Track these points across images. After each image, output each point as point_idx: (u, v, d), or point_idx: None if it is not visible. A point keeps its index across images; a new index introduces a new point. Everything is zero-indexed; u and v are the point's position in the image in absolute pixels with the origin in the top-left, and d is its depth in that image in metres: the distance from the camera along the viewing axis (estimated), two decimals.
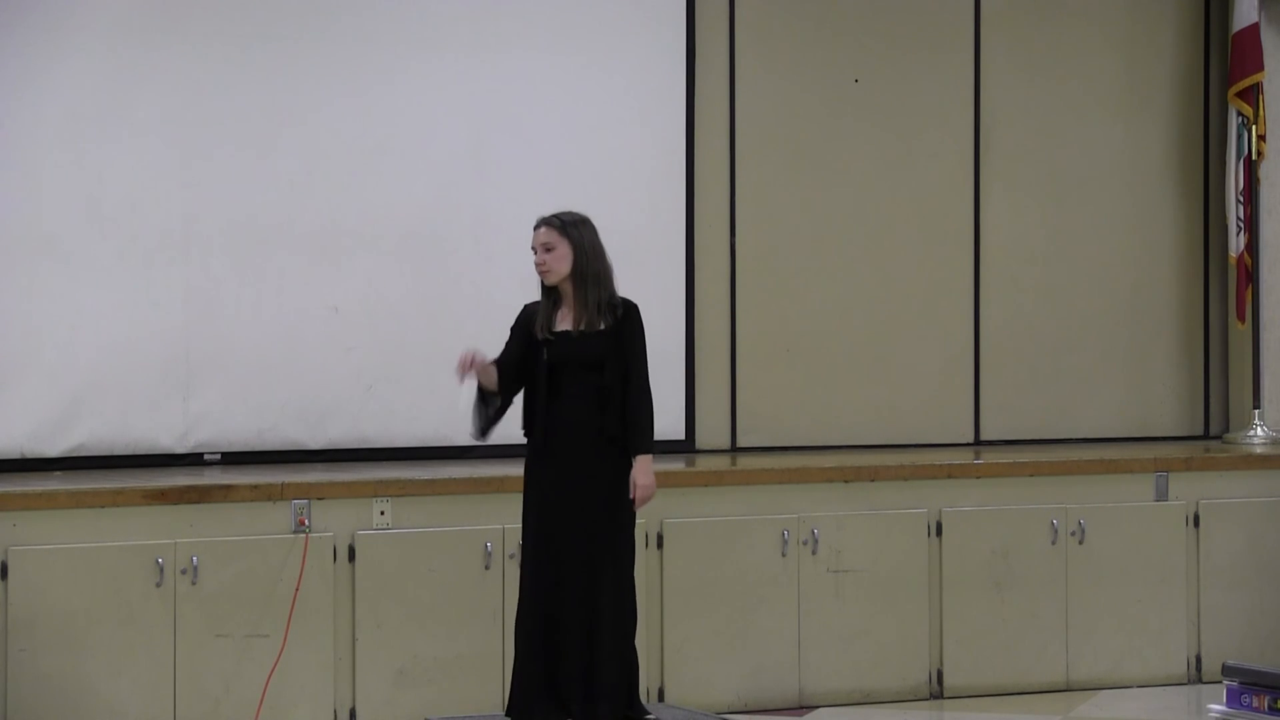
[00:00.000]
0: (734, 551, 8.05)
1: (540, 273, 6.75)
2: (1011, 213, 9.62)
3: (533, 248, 6.77)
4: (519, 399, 6.83)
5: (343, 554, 7.52)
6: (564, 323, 6.74)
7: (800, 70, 9.26)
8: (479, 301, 8.52)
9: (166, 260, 8.12)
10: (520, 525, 6.83)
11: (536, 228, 6.78)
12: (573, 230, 6.72)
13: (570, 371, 6.69)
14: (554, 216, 6.78)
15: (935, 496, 8.39)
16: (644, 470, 6.70)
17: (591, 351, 6.68)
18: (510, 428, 6.84)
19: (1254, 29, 9.60)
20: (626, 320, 6.74)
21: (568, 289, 6.73)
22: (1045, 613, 8.49)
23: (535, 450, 6.76)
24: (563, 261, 6.70)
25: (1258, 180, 9.68)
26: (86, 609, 7.14)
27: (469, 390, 6.80)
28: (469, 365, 6.65)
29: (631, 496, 6.70)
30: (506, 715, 6.80)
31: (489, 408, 6.80)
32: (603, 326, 6.70)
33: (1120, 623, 8.60)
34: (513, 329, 6.85)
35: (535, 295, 6.88)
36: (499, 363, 6.78)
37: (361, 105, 8.43)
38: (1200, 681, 8.67)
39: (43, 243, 7.94)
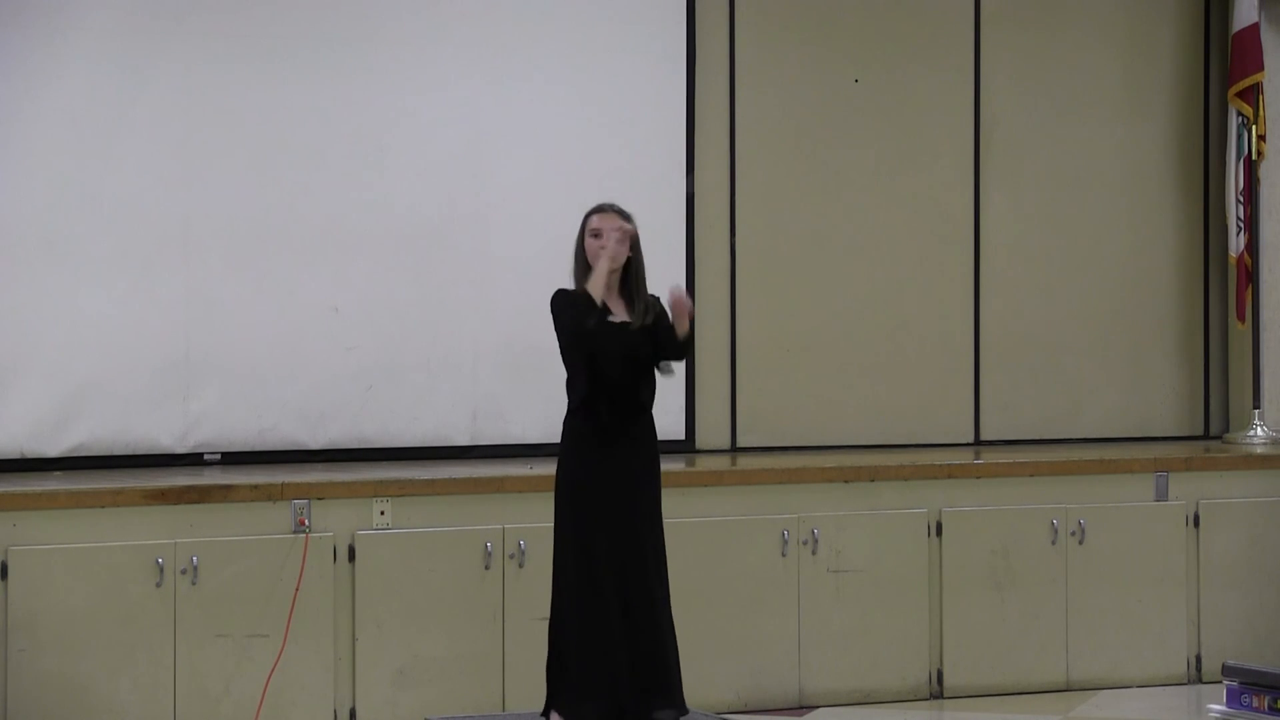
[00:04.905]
0: (734, 551, 8.04)
1: (598, 255, 6.51)
2: (1011, 213, 9.62)
3: (595, 230, 6.55)
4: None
5: (343, 554, 7.52)
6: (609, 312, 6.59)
7: (800, 70, 9.25)
8: (479, 301, 8.53)
9: (166, 260, 8.12)
10: (555, 514, 6.68)
11: (603, 210, 6.59)
12: (632, 224, 6.61)
13: (610, 360, 6.54)
14: (616, 206, 6.61)
15: (935, 496, 8.39)
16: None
17: (639, 349, 6.57)
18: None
19: (1254, 29, 9.60)
20: (665, 315, 6.62)
21: (613, 281, 6.60)
22: (1045, 613, 8.49)
23: (584, 434, 6.59)
24: (624, 255, 6.54)
25: (1258, 180, 9.67)
26: (86, 609, 7.14)
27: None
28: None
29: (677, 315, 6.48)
30: (551, 710, 6.63)
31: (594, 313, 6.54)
32: (646, 323, 6.61)
33: (1120, 623, 8.60)
34: (573, 294, 6.56)
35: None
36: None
37: (362, 105, 8.42)
38: (1200, 681, 8.67)
39: (43, 242, 7.94)
